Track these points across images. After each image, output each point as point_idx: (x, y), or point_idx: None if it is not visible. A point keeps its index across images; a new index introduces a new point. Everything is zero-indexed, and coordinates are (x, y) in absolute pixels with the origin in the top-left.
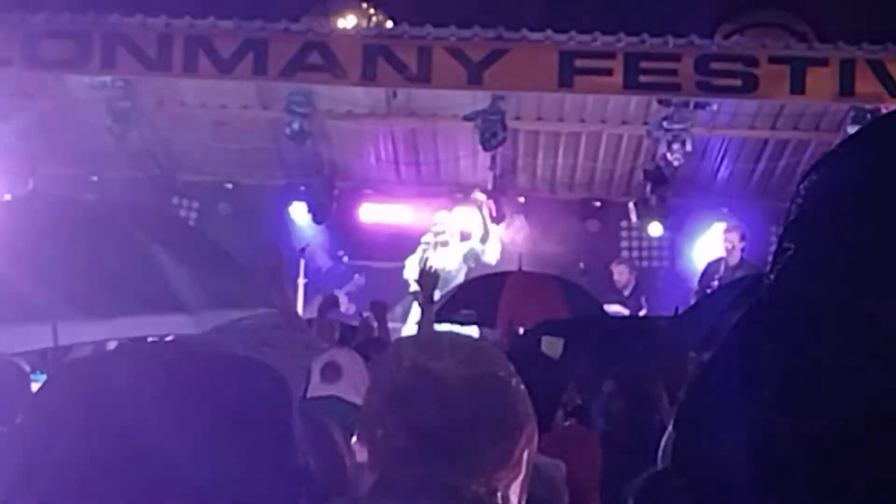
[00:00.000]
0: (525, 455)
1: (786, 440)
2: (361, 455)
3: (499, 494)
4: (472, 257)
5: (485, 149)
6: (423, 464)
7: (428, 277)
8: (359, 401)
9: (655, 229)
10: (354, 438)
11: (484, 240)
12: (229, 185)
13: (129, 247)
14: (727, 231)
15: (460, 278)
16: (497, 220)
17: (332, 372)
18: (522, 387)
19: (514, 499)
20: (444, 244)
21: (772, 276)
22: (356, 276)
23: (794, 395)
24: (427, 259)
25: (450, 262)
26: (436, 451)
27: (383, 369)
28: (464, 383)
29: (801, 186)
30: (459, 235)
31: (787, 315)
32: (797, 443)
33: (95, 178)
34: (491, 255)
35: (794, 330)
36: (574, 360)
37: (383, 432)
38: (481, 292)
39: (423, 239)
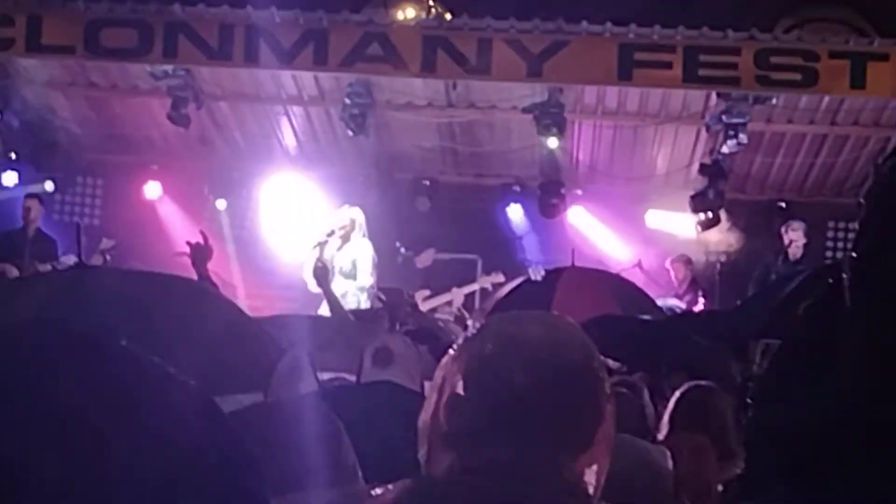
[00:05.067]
0: (605, 435)
1: (861, 424)
2: (435, 433)
3: (579, 474)
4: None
5: (546, 141)
6: (504, 441)
7: (320, 271)
8: (412, 386)
9: (712, 224)
10: (429, 417)
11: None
12: None
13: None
14: (787, 225)
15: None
16: (550, 213)
17: (384, 357)
18: (602, 364)
19: (592, 480)
20: (346, 238)
21: (851, 260)
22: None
23: (872, 380)
24: (319, 253)
25: (353, 254)
26: (519, 424)
27: (468, 342)
28: (552, 350)
29: (881, 171)
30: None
31: (868, 298)
32: (872, 427)
33: (156, 167)
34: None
35: (875, 315)
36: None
37: (466, 408)
38: (536, 288)
39: (323, 231)
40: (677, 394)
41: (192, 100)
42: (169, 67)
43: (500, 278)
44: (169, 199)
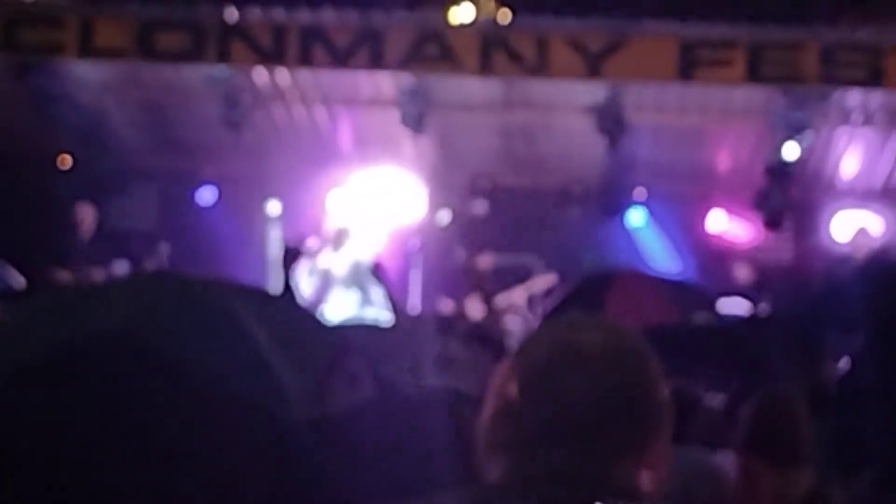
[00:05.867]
0: (662, 443)
1: None
2: (490, 439)
3: (635, 481)
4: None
5: (607, 140)
6: (559, 448)
7: (288, 255)
8: (471, 391)
9: (776, 224)
10: (485, 421)
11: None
12: None
13: None
14: (854, 230)
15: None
16: (610, 214)
17: (443, 361)
18: (661, 373)
19: (649, 487)
20: (339, 246)
21: None
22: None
23: None
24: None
25: (350, 259)
26: (575, 431)
27: (524, 348)
28: (608, 356)
29: None
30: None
31: None
32: None
33: (210, 171)
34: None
35: None
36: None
37: (522, 414)
38: (589, 291)
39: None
40: (749, 402)
41: (247, 102)
42: (223, 70)
43: (553, 280)
44: (223, 203)
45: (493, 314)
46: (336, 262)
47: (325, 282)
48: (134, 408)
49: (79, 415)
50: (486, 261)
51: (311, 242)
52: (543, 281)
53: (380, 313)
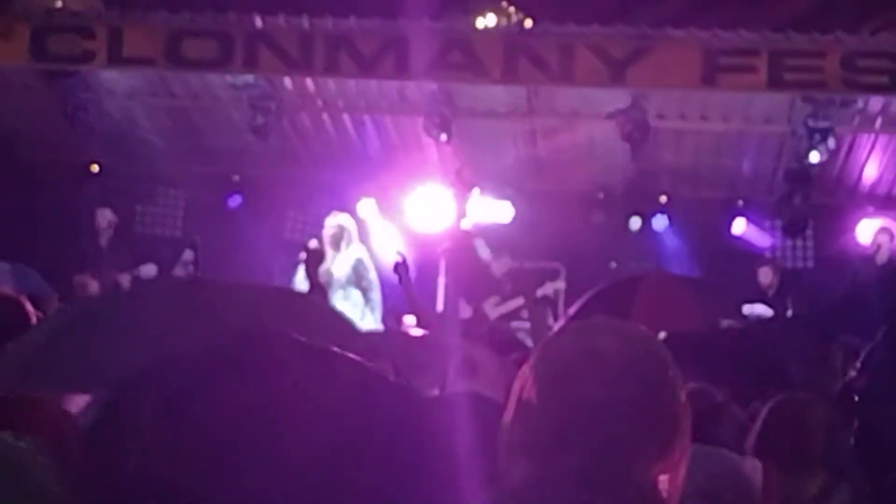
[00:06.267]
0: (681, 445)
1: None
2: (510, 442)
3: (654, 484)
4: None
5: (630, 147)
6: (578, 452)
7: (312, 255)
8: (496, 396)
9: (799, 229)
10: (506, 426)
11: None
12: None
13: None
14: (875, 230)
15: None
16: (634, 220)
17: (467, 367)
18: (679, 376)
19: (668, 489)
20: (336, 247)
21: None
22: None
23: None
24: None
25: (350, 260)
26: (594, 434)
27: (543, 352)
28: (626, 362)
29: None
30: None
31: None
32: None
33: (237, 178)
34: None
35: None
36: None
37: (541, 417)
38: (615, 294)
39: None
40: (769, 405)
41: (273, 110)
42: (250, 77)
43: (562, 285)
44: (250, 209)
45: (510, 318)
46: (336, 263)
47: (326, 283)
48: (306, 392)
49: (264, 399)
50: (503, 265)
51: (311, 243)
52: (550, 285)
53: (376, 315)
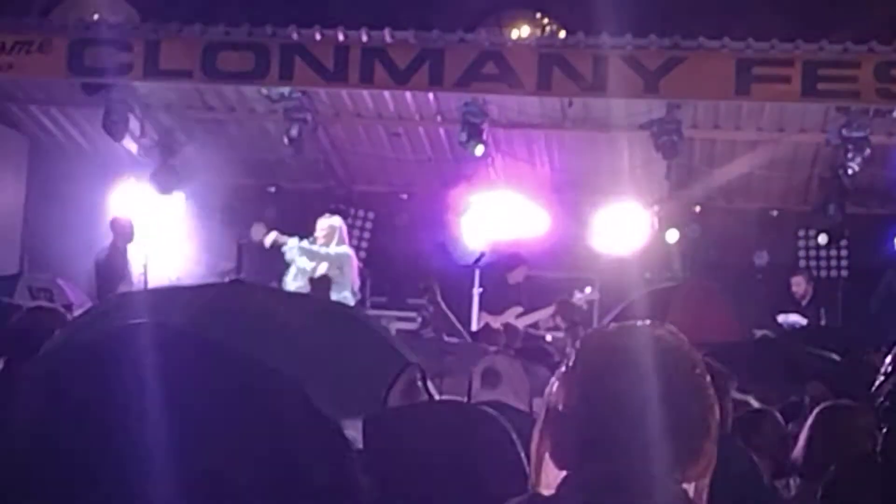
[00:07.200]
0: (711, 449)
1: None
2: (541, 448)
3: (686, 487)
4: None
5: (664, 157)
6: (611, 457)
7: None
8: (520, 405)
9: (833, 239)
10: (537, 435)
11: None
12: (404, 196)
13: None
14: None
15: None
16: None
17: (491, 377)
18: (710, 382)
19: (699, 492)
20: (327, 247)
21: None
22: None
23: None
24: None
25: (338, 261)
26: (625, 440)
27: (576, 358)
28: (657, 360)
29: None
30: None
31: None
32: None
33: (273, 189)
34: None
35: None
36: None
37: (574, 421)
38: (651, 304)
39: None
40: (814, 414)
41: (309, 122)
42: (285, 90)
43: (595, 295)
44: (286, 221)
45: (533, 328)
46: (323, 262)
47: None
48: (175, 387)
49: (115, 394)
50: (519, 275)
51: (292, 242)
52: (580, 295)
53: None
